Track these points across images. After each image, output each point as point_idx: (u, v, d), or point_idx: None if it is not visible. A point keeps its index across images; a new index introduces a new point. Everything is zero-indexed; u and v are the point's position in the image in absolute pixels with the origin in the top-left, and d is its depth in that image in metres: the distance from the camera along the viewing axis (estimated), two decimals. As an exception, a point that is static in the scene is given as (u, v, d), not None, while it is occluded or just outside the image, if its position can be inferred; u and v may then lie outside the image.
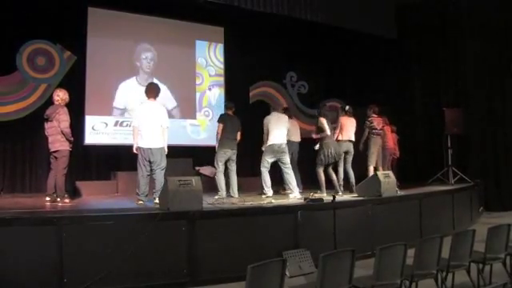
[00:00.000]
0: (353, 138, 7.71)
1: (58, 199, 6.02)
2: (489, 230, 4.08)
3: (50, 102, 8.08)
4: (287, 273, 4.73)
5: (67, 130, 6.00)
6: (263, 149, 7.16)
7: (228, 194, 6.94)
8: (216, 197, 6.60)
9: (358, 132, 7.90)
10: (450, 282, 3.97)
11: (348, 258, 3.09)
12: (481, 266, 4.06)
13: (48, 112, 6.06)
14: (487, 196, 9.47)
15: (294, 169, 7.34)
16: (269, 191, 6.92)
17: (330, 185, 7.33)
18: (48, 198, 6.08)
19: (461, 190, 8.16)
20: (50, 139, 6.03)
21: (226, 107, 7.39)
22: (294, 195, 6.84)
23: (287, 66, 11.39)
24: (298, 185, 7.34)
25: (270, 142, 7.00)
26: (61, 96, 6.14)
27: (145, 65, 9.36)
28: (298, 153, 8.09)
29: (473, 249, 3.99)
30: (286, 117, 7.34)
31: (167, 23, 9.60)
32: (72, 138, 6.09)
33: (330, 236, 5.20)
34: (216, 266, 4.81)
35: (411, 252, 3.49)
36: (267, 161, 7.01)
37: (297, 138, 8.12)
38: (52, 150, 6.04)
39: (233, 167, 7.10)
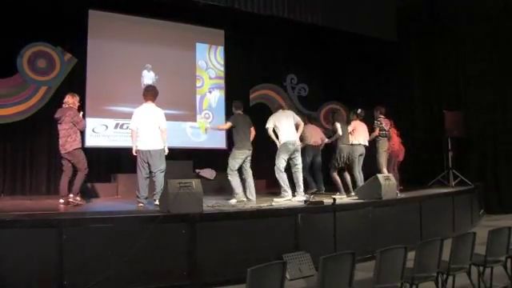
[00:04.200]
0: (365, 142, 7.72)
1: (71, 195, 6.10)
2: (489, 232, 4.07)
3: (50, 104, 8.19)
4: (287, 275, 4.72)
5: (82, 125, 6.26)
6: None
7: (246, 197, 6.76)
8: (234, 201, 6.47)
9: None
10: (450, 284, 3.96)
11: (348, 261, 3.08)
12: (481, 268, 4.05)
13: (58, 115, 6.12)
14: (488, 199, 9.46)
15: (317, 170, 7.74)
16: (288, 192, 6.77)
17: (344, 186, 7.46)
18: (62, 201, 6.11)
19: (461, 193, 8.15)
20: (60, 142, 6.09)
21: (236, 107, 7.08)
22: (298, 198, 6.71)
23: (287, 68, 11.40)
24: (320, 186, 7.75)
25: (283, 141, 6.84)
26: (70, 100, 6.26)
27: (145, 66, 9.37)
28: (320, 156, 8.20)
29: (473, 251, 3.98)
30: (292, 112, 7.20)
31: (168, 26, 9.63)
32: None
33: (331, 238, 5.19)
34: (216, 269, 4.80)
35: (411, 255, 3.48)
36: (283, 160, 6.84)
37: (317, 141, 8.23)
38: (63, 152, 6.10)
39: (248, 167, 6.88)
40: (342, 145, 7.43)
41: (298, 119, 7.07)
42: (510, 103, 9.58)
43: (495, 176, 9.66)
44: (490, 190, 9.54)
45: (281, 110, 7.19)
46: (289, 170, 7.00)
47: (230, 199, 6.72)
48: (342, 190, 7.35)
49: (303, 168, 7.29)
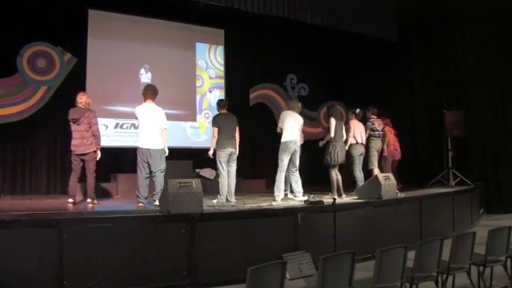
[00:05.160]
0: (363, 141, 7.74)
1: (89, 200, 6.18)
2: (489, 232, 4.08)
3: (50, 104, 8.20)
4: (287, 275, 4.72)
5: (99, 133, 6.19)
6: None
7: (227, 199, 6.63)
8: (215, 201, 6.38)
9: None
10: (450, 284, 3.96)
11: (348, 261, 3.09)
12: (481, 268, 4.06)
13: (76, 115, 6.07)
14: (487, 198, 9.46)
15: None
16: (280, 195, 6.77)
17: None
18: (71, 200, 6.08)
19: (461, 193, 8.16)
20: (74, 142, 6.06)
21: (219, 105, 6.94)
22: (299, 199, 6.69)
23: (287, 68, 11.41)
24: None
25: (284, 139, 6.83)
26: (84, 99, 6.22)
27: (145, 66, 9.37)
28: (300, 156, 8.08)
29: (473, 251, 3.98)
30: (301, 118, 7.20)
31: (168, 25, 9.62)
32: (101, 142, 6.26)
33: (330, 238, 5.19)
34: (216, 269, 4.80)
35: (411, 254, 3.49)
36: (284, 160, 6.80)
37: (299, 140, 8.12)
38: (78, 152, 6.07)
39: (233, 169, 6.69)
40: (335, 142, 7.32)
41: (301, 124, 7.10)
42: (509, 103, 9.58)
43: (495, 176, 9.65)
44: (490, 190, 9.54)
45: (291, 112, 7.13)
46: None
47: (227, 199, 6.67)
48: (335, 191, 7.25)
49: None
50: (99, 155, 6.21)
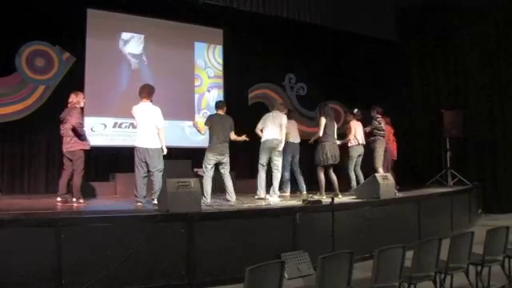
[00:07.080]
0: (363, 141, 7.77)
1: (74, 199, 6.15)
2: (487, 232, 4.08)
3: (49, 103, 8.19)
4: (286, 275, 4.72)
5: (78, 125, 6.06)
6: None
7: (225, 199, 6.66)
8: (202, 202, 6.17)
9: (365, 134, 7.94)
10: (448, 284, 3.97)
11: (346, 260, 3.09)
12: (479, 268, 4.07)
13: (62, 114, 6.18)
14: (486, 198, 9.48)
15: (296, 171, 7.35)
16: (262, 192, 6.88)
17: (330, 186, 7.37)
18: (59, 199, 6.13)
19: (459, 193, 8.18)
20: (63, 140, 6.16)
21: (217, 106, 6.91)
22: (272, 199, 6.65)
23: (286, 67, 11.39)
24: (301, 186, 7.49)
25: (263, 139, 6.99)
26: (72, 99, 6.27)
27: (144, 65, 9.37)
28: (299, 154, 8.07)
29: (471, 251, 3.99)
30: (283, 116, 7.19)
31: (166, 25, 9.60)
32: (83, 136, 6.18)
33: (329, 238, 5.20)
34: (214, 268, 4.80)
35: (410, 254, 3.50)
36: (263, 158, 6.97)
37: (296, 139, 8.09)
38: (64, 150, 6.16)
39: (225, 171, 6.66)
40: (324, 142, 7.27)
41: (283, 122, 7.06)
42: (508, 103, 9.59)
43: (493, 176, 9.67)
44: (488, 190, 9.56)
45: (274, 112, 7.25)
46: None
47: (226, 199, 6.68)
48: (323, 190, 7.23)
49: (283, 166, 7.36)
50: (87, 147, 6.24)
